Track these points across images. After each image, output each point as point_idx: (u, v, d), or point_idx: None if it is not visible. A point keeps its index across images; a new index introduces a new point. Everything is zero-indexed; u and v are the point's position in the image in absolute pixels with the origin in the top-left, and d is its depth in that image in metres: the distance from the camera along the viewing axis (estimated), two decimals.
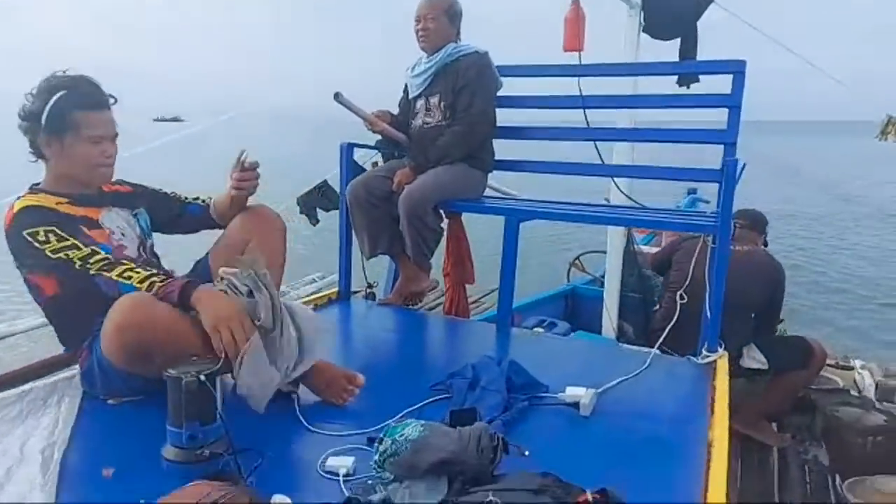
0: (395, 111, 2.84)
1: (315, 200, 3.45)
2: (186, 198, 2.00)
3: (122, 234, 1.75)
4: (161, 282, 1.49)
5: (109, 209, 1.76)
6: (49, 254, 1.51)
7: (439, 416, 1.44)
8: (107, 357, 1.52)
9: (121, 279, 1.50)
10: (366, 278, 2.84)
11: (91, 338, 1.61)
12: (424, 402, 1.67)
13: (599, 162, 2.92)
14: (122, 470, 1.34)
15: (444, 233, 2.69)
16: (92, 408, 1.67)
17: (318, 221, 3.50)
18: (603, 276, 3.90)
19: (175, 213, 1.97)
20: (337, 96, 2.51)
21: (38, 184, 1.70)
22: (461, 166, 2.59)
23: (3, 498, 1.26)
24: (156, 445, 1.36)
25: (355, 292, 2.84)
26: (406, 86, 2.81)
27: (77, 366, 1.71)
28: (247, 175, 1.82)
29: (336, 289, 2.78)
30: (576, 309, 4.54)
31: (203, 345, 1.44)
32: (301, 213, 3.46)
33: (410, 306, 2.80)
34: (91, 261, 1.52)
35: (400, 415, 1.57)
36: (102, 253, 1.55)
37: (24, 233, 1.52)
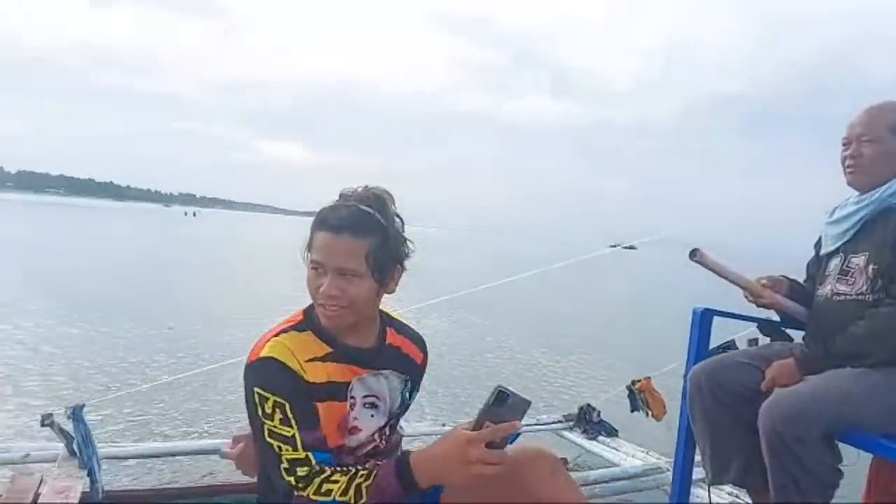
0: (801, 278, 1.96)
1: None
2: None
3: (370, 406, 1.32)
4: (365, 479, 1.15)
5: (377, 373, 1.32)
6: (266, 433, 1.20)
7: None
8: None
9: (318, 496, 1.17)
10: None
11: None
12: None
13: None
14: None
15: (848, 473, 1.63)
16: None
17: None
18: None
19: None
20: (693, 254, 1.83)
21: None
22: (892, 372, 1.55)
23: None
24: None
25: None
26: (819, 239, 1.92)
27: None
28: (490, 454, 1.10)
29: None
30: None
31: None
32: None
33: None
34: (296, 470, 1.19)
35: None
36: (312, 463, 1.20)
37: (256, 389, 1.22)
